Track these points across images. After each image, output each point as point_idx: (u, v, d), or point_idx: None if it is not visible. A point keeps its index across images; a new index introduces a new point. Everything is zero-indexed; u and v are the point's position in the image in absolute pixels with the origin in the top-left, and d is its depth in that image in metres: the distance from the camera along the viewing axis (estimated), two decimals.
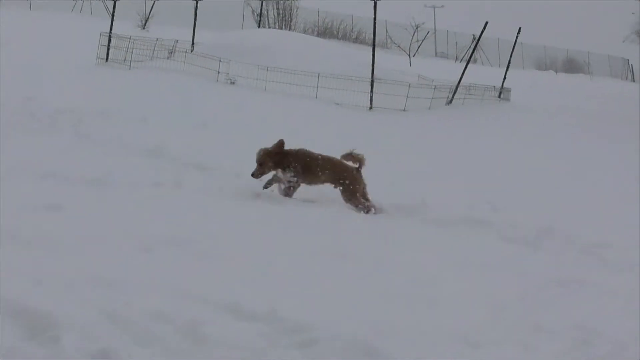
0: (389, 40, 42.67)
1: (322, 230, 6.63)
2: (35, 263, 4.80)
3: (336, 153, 7.90)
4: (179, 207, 6.74)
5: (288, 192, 7.80)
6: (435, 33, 53.65)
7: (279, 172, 7.71)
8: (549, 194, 9.39)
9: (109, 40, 17.47)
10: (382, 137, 12.92)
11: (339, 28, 47.19)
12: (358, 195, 7.74)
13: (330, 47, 21.50)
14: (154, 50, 18.23)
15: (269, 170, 7.70)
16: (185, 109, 12.70)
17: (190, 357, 3.88)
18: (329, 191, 7.85)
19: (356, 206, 7.70)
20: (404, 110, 16.42)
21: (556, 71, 47.97)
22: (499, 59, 46.75)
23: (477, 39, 21.74)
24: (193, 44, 20.07)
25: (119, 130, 10.02)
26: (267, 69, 16.60)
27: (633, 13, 35.20)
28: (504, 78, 20.61)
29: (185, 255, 5.36)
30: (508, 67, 21.24)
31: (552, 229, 7.37)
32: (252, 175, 7.64)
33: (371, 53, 17.37)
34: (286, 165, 7.66)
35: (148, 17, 31.34)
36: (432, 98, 17.45)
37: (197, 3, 19.71)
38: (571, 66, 55.25)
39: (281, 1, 40.53)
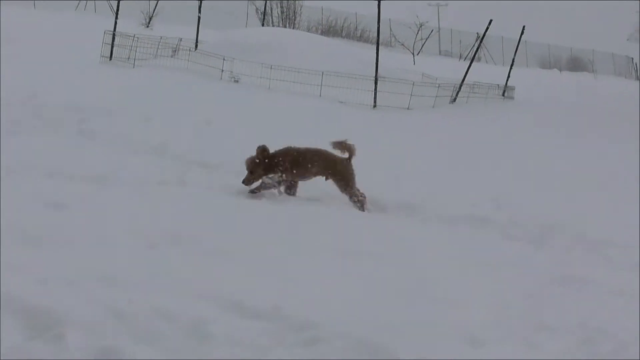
0: (393, 39, 42.67)
1: (326, 228, 6.62)
2: (40, 261, 4.81)
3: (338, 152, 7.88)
4: (183, 205, 6.74)
5: (289, 190, 7.80)
6: (439, 31, 53.71)
7: (265, 179, 7.64)
8: (552, 192, 9.37)
9: (113, 39, 17.43)
10: (386, 135, 12.89)
11: (342, 26, 47.17)
12: (352, 184, 7.73)
13: (334, 45, 21.42)
14: (157, 48, 18.18)
15: (260, 177, 7.64)
16: (189, 107, 12.68)
17: (194, 355, 3.89)
18: (332, 190, 7.84)
19: (350, 196, 7.69)
20: (407, 108, 16.39)
21: (560, 69, 47.92)
22: (503, 58, 46.74)
23: (481, 37, 21.70)
24: (197, 42, 20.06)
25: (123, 128, 10.02)
26: (271, 68, 16.54)
27: (636, 12, 35.24)
28: (508, 76, 20.54)
29: (189, 253, 5.36)
30: (512, 65, 21.17)
31: (555, 227, 7.37)
32: (243, 182, 7.58)
33: (375, 51, 17.33)
34: (276, 166, 7.62)
35: (152, 16, 31.41)
36: (436, 96, 17.40)
37: (200, 2, 19.68)
38: (575, 64, 55.10)
39: (285, 0, 40.52)
